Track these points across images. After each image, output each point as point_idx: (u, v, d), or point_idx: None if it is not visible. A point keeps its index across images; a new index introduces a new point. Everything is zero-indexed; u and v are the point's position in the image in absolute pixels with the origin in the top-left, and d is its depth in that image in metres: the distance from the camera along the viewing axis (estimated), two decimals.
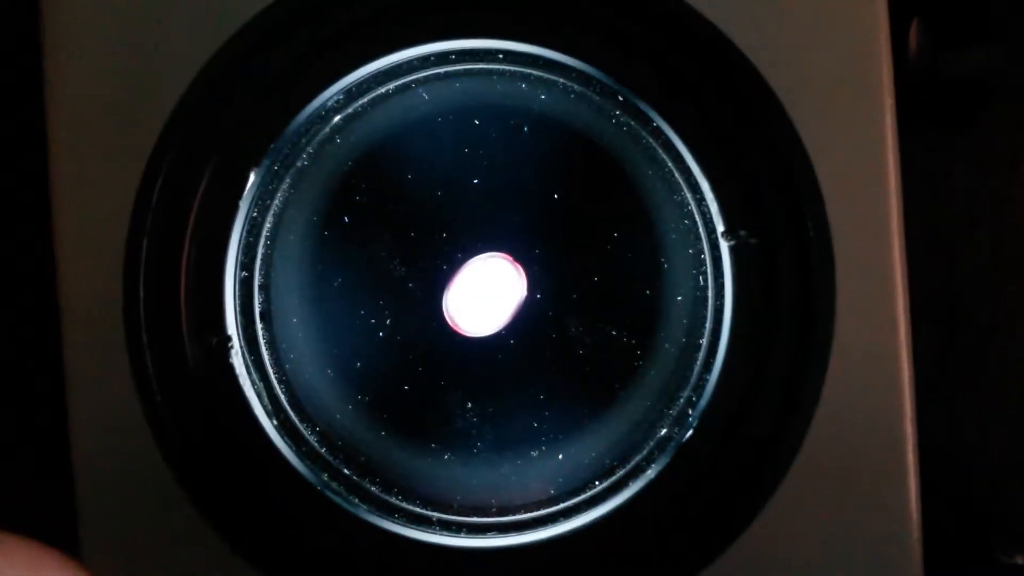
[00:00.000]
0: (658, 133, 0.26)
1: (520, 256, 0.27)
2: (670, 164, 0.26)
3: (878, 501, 0.27)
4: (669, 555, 0.26)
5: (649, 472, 0.26)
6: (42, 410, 0.29)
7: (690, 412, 0.26)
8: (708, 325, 0.26)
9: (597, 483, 0.27)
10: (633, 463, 0.27)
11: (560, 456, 0.27)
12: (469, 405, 0.27)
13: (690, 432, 0.26)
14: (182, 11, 0.26)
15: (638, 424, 0.27)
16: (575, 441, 0.27)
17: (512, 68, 0.26)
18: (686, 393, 0.26)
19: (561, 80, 0.26)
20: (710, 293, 0.26)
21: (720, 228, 0.26)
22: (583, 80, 0.26)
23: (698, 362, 0.26)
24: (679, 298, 0.27)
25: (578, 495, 0.27)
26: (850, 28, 0.26)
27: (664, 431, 0.26)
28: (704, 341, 0.26)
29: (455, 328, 0.27)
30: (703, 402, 0.26)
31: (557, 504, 0.27)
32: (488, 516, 0.27)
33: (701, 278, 0.26)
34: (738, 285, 0.25)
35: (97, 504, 0.27)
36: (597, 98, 0.26)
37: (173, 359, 0.25)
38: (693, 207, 0.26)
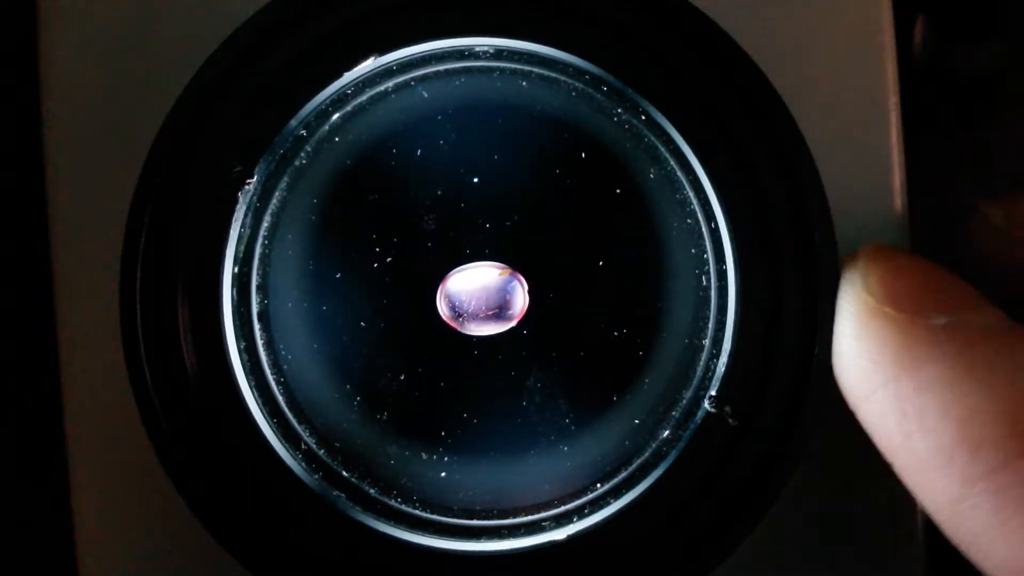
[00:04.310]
0: (660, 131, 0.26)
1: (521, 255, 0.26)
2: (672, 162, 0.26)
3: (883, 503, 0.27)
4: (672, 559, 0.25)
5: (652, 474, 0.26)
6: (37, 411, 0.29)
7: (694, 414, 0.26)
8: (711, 325, 0.26)
9: (599, 486, 0.26)
10: (635, 465, 0.26)
11: (561, 458, 0.27)
12: (469, 407, 0.27)
13: (693, 434, 0.26)
14: (180, 9, 0.26)
15: (640, 426, 0.26)
16: (576, 443, 0.27)
17: (513, 66, 0.26)
18: (689, 394, 0.26)
19: (563, 78, 0.26)
20: (713, 293, 0.26)
21: (724, 227, 0.25)
22: (584, 78, 0.26)
23: (701, 363, 0.26)
24: (681, 298, 0.26)
25: (580, 498, 0.26)
26: (855, 26, 0.26)
27: (667, 433, 0.26)
28: (707, 342, 0.26)
29: (455, 329, 0.26)
30: (706, 403, 0.25)
31: (558, 507, 0.26)
32: (488, 519, 0.26)
33: (704, 278, 0.26)
34: (741, 284, 0.25)
35: (93, 508, 0.26)
36: (599, 96, 0.26)
37: (170, 361, 0.25)
38: (696, 206, 0.26)
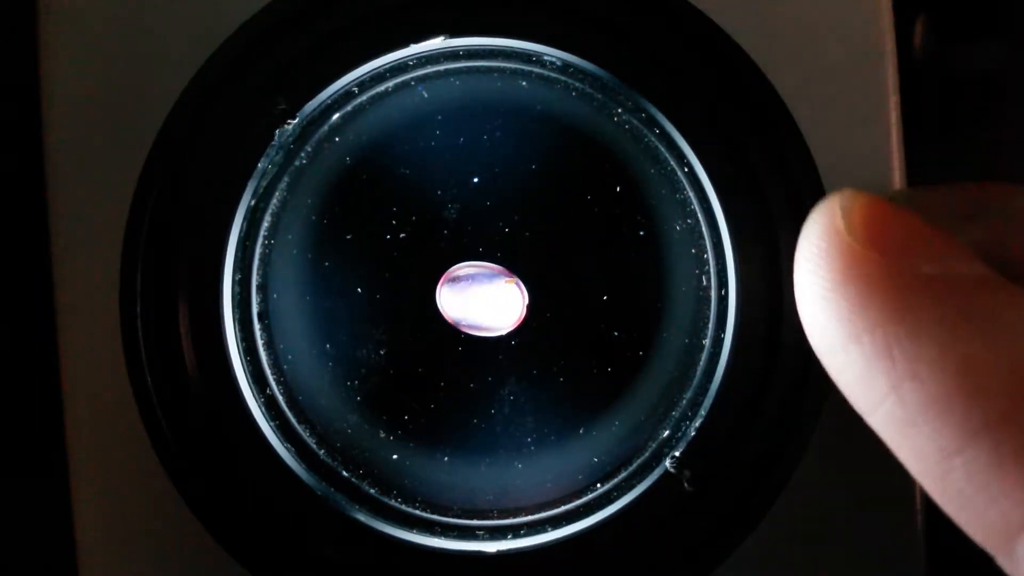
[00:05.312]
0: (660, 131, 0.26)
1: (521, 255, 0.26)
2: (672, 163, 0.26)
3: (883, 503, 0.27)
4: (673, 559, 0.25)
5: (652, 474, 0.26)
6: (38, 411, 0.28)
7: (693, 414, 0.26)
8: (711, 325, 0.26)
9: (599, 485, 0.26)
10: (636, 465, 0.26)
11: (562, 459, 0.27)
12: (469, 407, 0.27)
13: (693, 434, 0.26)
14: (180, 10, 0.26)
15: (640, 426, 0.26)
16: (577, 443, 0.27)
17: (512, 66, 0.26)
18: (689, 395, 0.26)
19: (562, 78, 0.26)
20: (713, 293, 0.26)
21: (724, 226, 0.25)
22: (584, 78, 0.26)
23: (701, 363, 0.26)
24: (682, 298, 0.26)
25: (580, 498, 0.26)
26: (855, 25, 0.26)
27: (667, 433, 0.26)
28: (707, 342, 0.26)
29: (455, 329, 0.26)
30: (707, 404, 0.25)
31: (559, 507, 0.26)
32: (488, 519, 0.26)
33: (704, 278, 0.26)
34: (742, 284, 0.25)
35: (94, 508, 0.26)
36: (599, 96, 0.26)
37: (170, 362, 0.25)
38: (696, 206, 0.26)
